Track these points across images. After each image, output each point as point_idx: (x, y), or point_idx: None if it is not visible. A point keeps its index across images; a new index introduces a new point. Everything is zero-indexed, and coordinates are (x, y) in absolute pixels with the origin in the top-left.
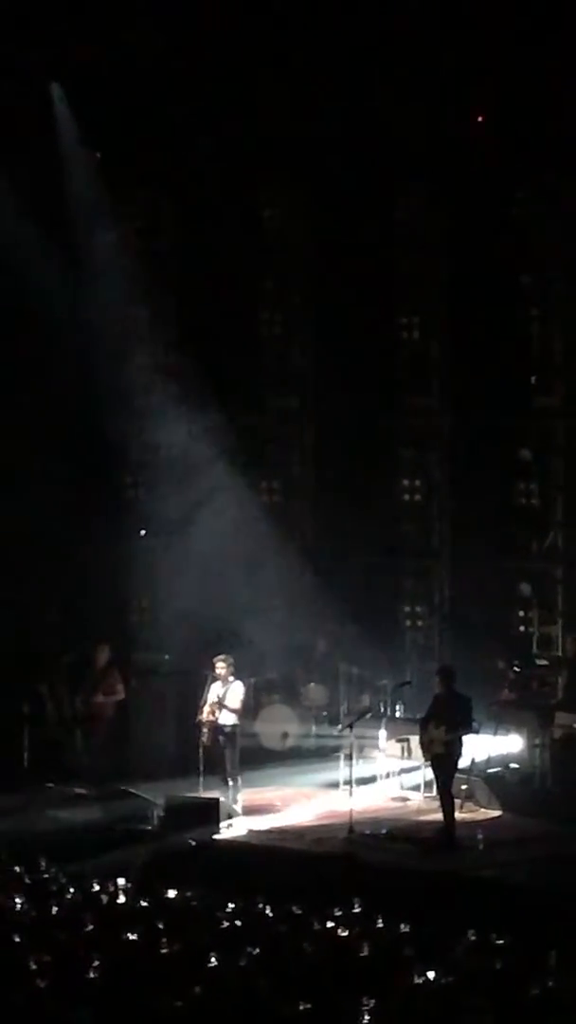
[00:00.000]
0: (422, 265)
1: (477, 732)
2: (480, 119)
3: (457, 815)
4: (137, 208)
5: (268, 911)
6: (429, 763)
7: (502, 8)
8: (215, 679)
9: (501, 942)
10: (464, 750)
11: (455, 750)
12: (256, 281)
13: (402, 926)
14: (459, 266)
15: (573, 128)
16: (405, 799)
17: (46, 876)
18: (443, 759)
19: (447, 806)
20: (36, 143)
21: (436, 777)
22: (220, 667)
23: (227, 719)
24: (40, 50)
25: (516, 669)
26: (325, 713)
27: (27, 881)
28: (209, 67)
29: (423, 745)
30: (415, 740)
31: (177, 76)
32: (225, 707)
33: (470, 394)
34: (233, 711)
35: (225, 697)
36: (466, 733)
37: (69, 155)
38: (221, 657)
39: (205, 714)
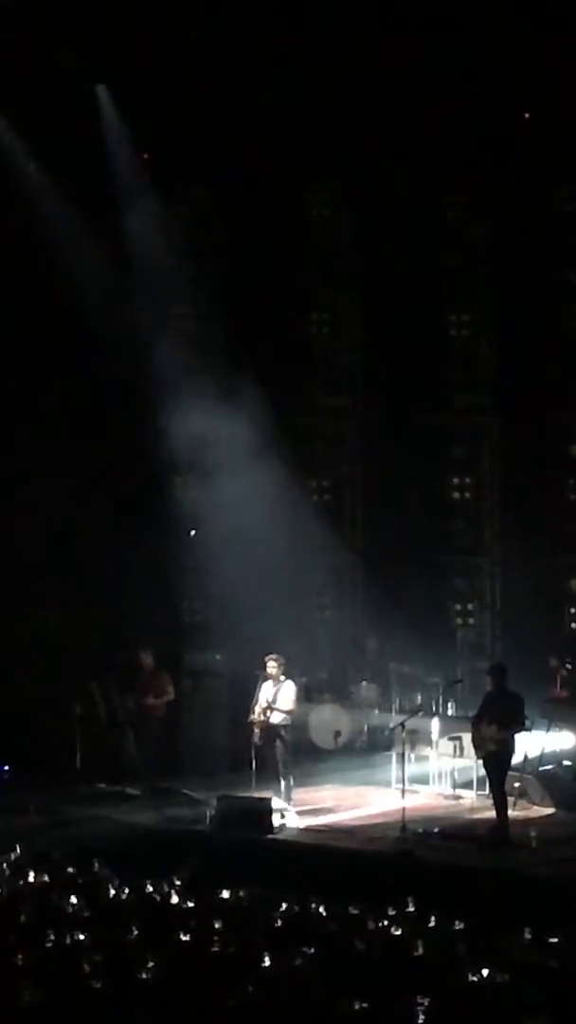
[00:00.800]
0: (471, 263)
1: (529, 730)
2: (527, 116)
3: (510, 813)
4: (184, 208)
5: (321, 910)
6: (481, 761)
7: (549, 5)
8: (266, 678)
9: (556, 940)
10: (516, 748)
11: (508, 748)
12: (305, 280)
13: (456, 924)
14: (508, 264)
15: None
16: (458, 797)
17: (99, 877)
18: (496, 757)
19: (500, 804)
20: (83, 144)
21: (489, 775)
22: (271, 666)
23: (279, 718)
24: (87, 52)
25: (568, 666)
26: (377, 712)
27: (80, 882)
28: (256, 65)
29: (475, 743)
30: (467, 738)
31: (223, 75)
32: (276, 708)
33: (519, 391)
34: (286, 712)
35: (277, 697)
36: (518, 731)
37: (116, 156)
38: (272, 656)
39: (256, 714)
